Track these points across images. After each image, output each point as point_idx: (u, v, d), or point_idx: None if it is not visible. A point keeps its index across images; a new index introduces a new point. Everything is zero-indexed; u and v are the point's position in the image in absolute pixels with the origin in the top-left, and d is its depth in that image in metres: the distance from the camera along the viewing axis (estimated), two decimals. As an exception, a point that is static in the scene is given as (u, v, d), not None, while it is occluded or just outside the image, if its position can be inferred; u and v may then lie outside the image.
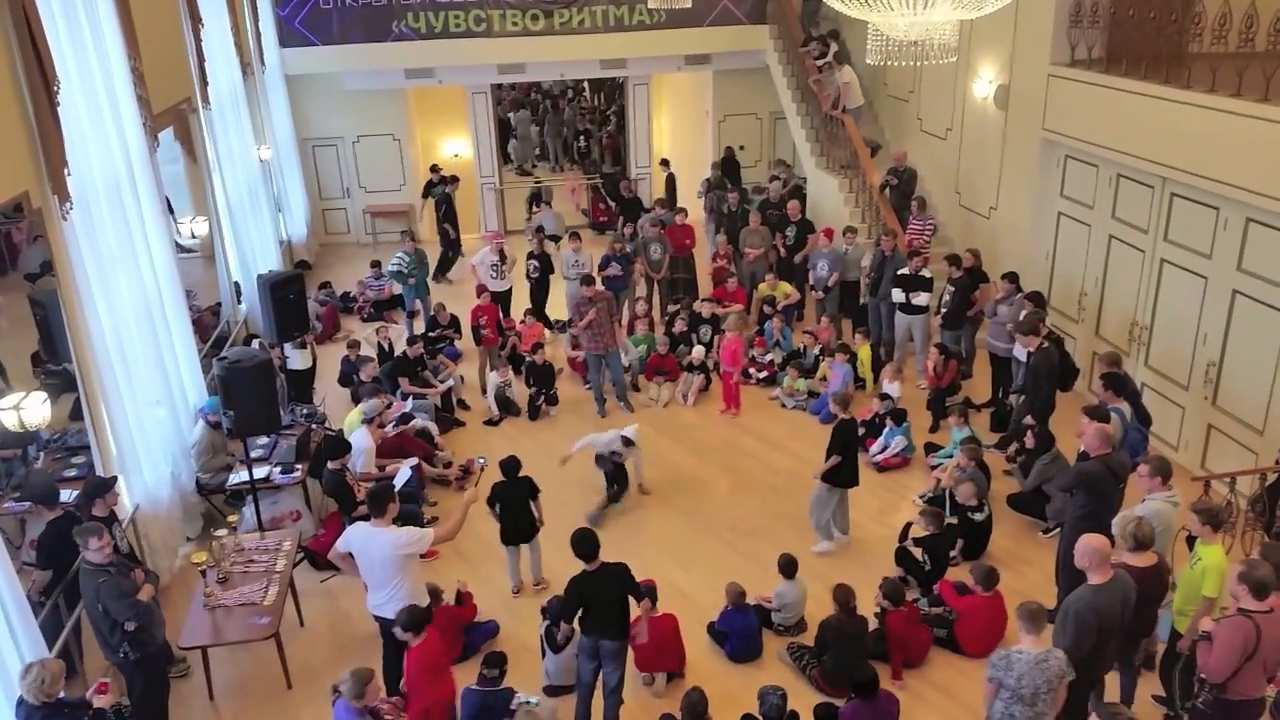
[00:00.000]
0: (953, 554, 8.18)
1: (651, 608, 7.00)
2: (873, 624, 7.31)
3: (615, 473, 9.32)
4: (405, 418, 9.76)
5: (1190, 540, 6.63)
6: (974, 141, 12.72)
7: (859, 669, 6.31)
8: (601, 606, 6.31)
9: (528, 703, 6.16)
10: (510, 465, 7.98)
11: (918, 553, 7.98)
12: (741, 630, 7.38)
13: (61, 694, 5.30)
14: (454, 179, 15.91)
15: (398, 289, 14.40)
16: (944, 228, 13.38)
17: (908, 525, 8.24)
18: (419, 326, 12.76)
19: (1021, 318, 9.50)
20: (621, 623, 6.39)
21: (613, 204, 17.45)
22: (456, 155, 18.41)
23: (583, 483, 9.54)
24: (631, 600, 6.52)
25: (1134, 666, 6.54)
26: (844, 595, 6.99)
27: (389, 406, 9.79)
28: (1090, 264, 10.76)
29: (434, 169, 16.55)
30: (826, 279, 12.18)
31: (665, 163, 17.02)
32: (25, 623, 5.84)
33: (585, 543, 6.31)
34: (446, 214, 15.81)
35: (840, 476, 8.33)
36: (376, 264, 14.60)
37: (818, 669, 7.05)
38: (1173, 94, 8.86)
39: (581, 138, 23.52)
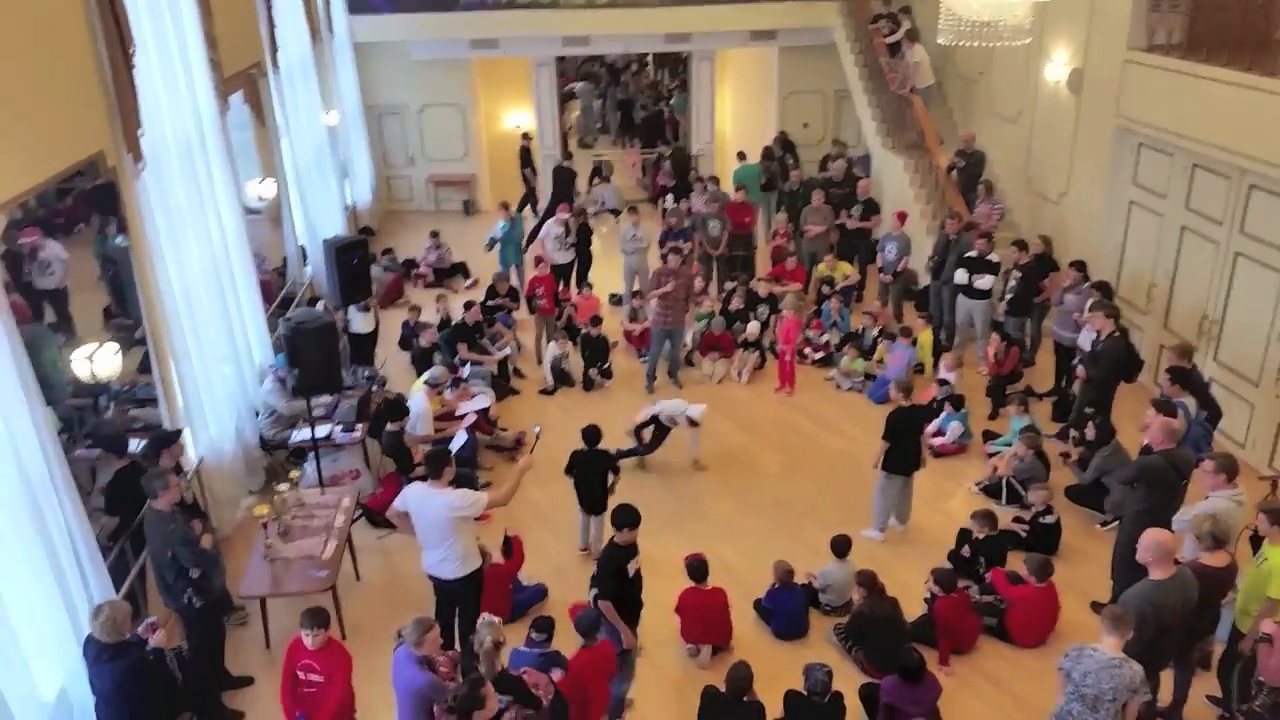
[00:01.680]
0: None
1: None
2: (923, 610, 7.28)
3: (658, 435, 9.43)
4: (456, 381, 9.90)
5: (1254, 540, 6.49)
6: (1045, 125, 12.45)
7: (904, 652, 6.28)
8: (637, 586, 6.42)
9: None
10: (590, 434, 8.05)
11: (969, 551, 7.88)
12: (788, 608, 7.40)
13: (128, 634, 5.48)
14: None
15: (458, 257, 14.62)
16: (1011, 212, 13.13)
17: (964, 533, 7.96)
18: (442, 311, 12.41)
19: (1089, 305, 9.33)
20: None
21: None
22: (519, 127, 18.49)
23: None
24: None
25: (1190, 665, 6.42)
26: (868, 579, 7.02)
27: (458, 381, 9.94)
28: (1161, 255, 10.49)
29: (525, 136, 16.95)
30: (895, 263, 12.04)
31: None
32: (95, 566, 6.05)
33: (624, 513, 6.38)
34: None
35: (893, 462, 8.24)
36: (435, 234, 14.76)
37: (863, 651, 7.04)
38: (1256, 81, 8.57)
39: (632, 110, 23.36)
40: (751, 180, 14.60)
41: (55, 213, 6.89)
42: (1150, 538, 5.58)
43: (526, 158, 16.99)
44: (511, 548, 7.65)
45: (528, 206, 16.79)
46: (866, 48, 14.67)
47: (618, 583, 6.31)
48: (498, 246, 13.29)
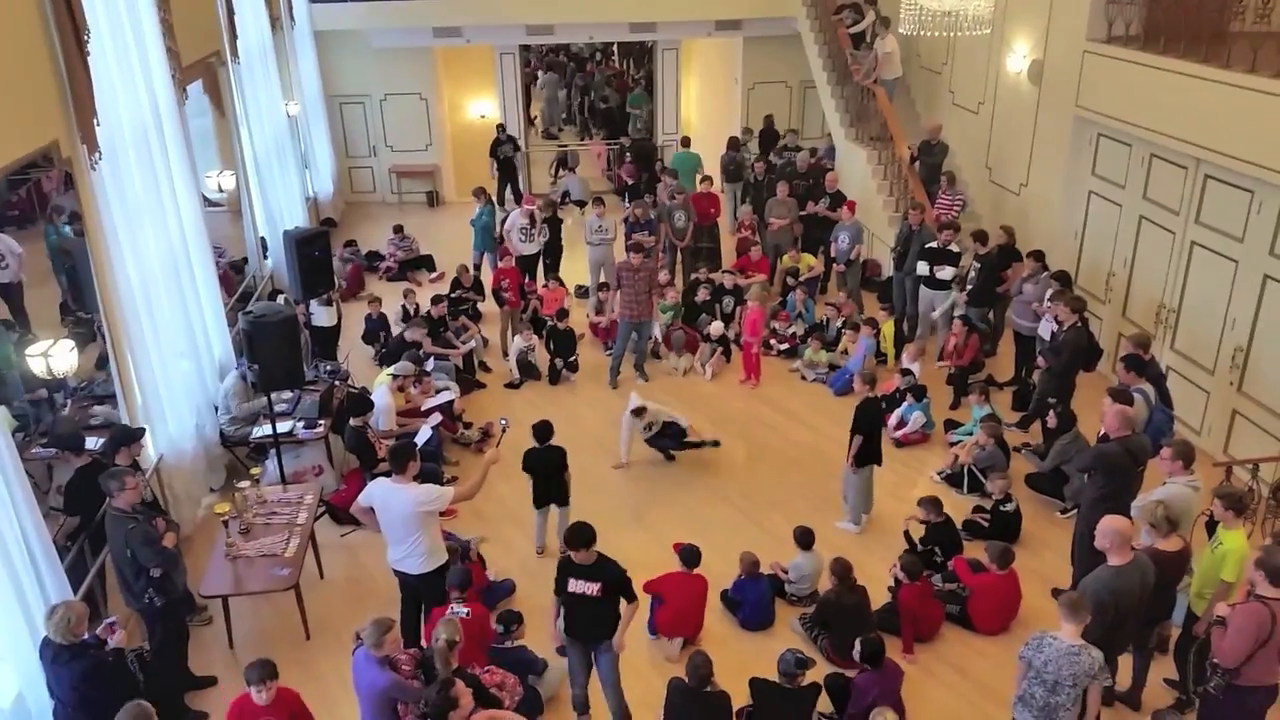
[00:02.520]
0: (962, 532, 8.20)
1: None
2: (886, 598, 7.35)
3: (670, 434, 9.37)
4: (419, 374, 9.84)
5: (1209, 525, 6.61)
6: (1006, 116, 12.56)
7: (864, 640, 6.33)
8: (586, 609, 6.06)
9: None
10: (542, 430, 7.98)
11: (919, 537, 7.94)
12: (754, 599, 7.43)
13: (85, 635, 5.40)
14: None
15: (423, 250, 14.54)
16: (973, 203, 13.25)
17: (910, 539, 7.94)
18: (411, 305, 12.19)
19: (1049, 295, 9.44)
20: (610, 625, 6.12)
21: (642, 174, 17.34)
22: (483, 117, 18.35)
23: (604, 448, 9.60)
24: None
25: (1148, 649, 6.54)
26: (841, 568, 7.02)
27: (421, 374, 9.84)
28: (1119, 244, 10.64)
29: (500, 128, 16.75)
30: (848, 251, 12.11)
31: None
32: (52, 567, 5.94)
33: (579, 535, 5.95)
34: (509, 175, 16.50)
35: (864, 454, 8.28)
36: (399, 229, 14.65)
37: (828, 639, 7.09)
38: (1212, 73, 8.70)
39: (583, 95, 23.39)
40: (684, 167, 14.82)
41: (7, 205, 6.76)
42: (1108, 524, 5.67)
43: (496, 149, 16.86)
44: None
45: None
46: (831, 39, 14.72)
47: (557, 586, 6.10)
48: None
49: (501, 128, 16.88)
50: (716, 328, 11.60)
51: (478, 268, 13.15)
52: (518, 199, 15.66)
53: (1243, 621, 5.28)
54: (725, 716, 5.99)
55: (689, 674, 5.95)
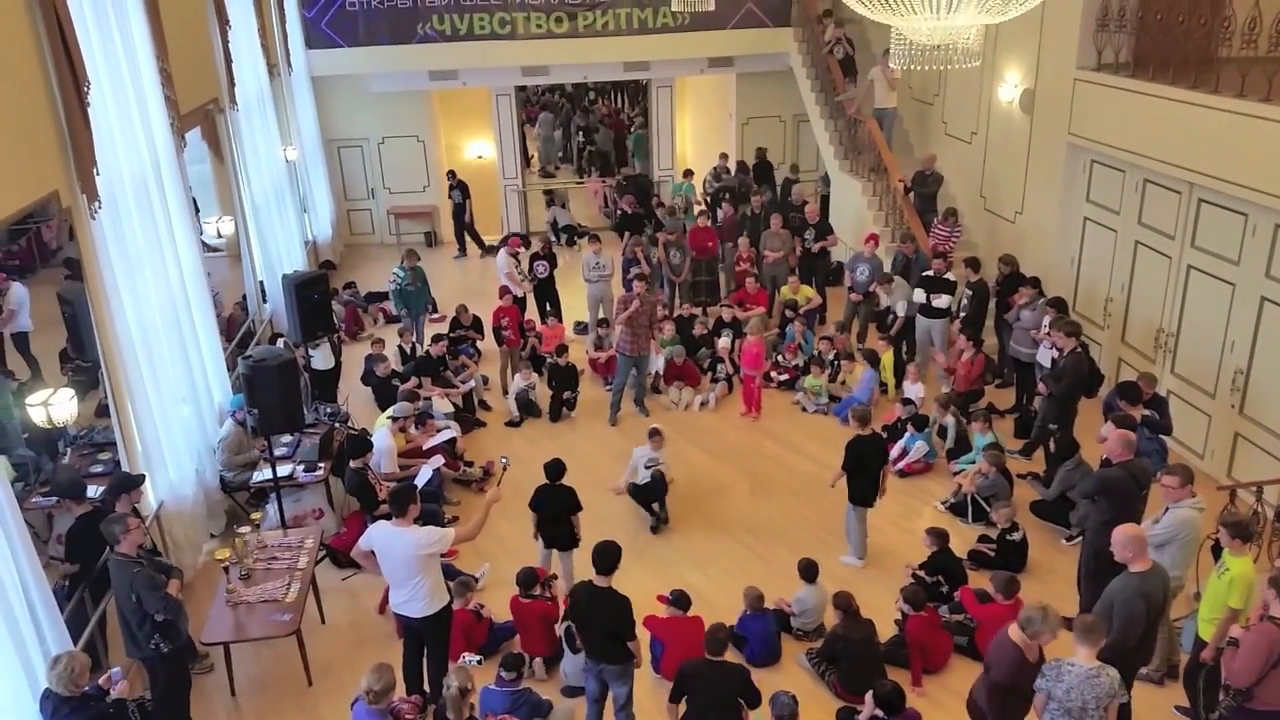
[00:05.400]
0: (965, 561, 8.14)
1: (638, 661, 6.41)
2: (894, 631, 7.28)
3: (654, 487, 9.07)
4: (421, 417, 9.82)
5: (1215, 549, 6.57)
6: (999, 145, 12.65)
7: (879, 682, 6.22)
8: (595, 629, 6.15)
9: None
10: (554, 468, 7.89)
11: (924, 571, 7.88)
12: (760, 634, 7.36)
13: (87, 686, 5.35)
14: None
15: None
16: (968, 232, 13.30)
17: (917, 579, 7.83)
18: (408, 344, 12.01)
19: (1049, 321, 9.45)
20: (616, 650, 6.14)
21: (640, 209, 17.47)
22: (480, 157, 18.51)
23: (605, 483, 9.54)
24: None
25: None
26: (845, 600, 6.98)
27: (420, 415, 9.82)
28: (1116, 270, 10.67)
29: (450, 174, 16.99)
30: (867, 284, 12.11)
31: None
32: (51, 617, 5.89)
33: (606, 557, 6.07)
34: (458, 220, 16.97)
35: (853, 493, 8.24)
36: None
37: (836, 675, 7.02)
38: (1201, 98, 8.78)
39: (581, 135, 23.77)
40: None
41: (8, 254, 6.79)
42: (1123, 534, 5.70)
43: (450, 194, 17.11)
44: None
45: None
46: (823, 73, 14.87)
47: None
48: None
49: (451, 174, 17.02)
50: (724, 344, 11.61)
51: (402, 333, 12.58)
52: (478, 242, 16.07)
53: (1255, 641, 5.26)
54: (746, 681, 5.89)
55: (707, 646, 5.96)
